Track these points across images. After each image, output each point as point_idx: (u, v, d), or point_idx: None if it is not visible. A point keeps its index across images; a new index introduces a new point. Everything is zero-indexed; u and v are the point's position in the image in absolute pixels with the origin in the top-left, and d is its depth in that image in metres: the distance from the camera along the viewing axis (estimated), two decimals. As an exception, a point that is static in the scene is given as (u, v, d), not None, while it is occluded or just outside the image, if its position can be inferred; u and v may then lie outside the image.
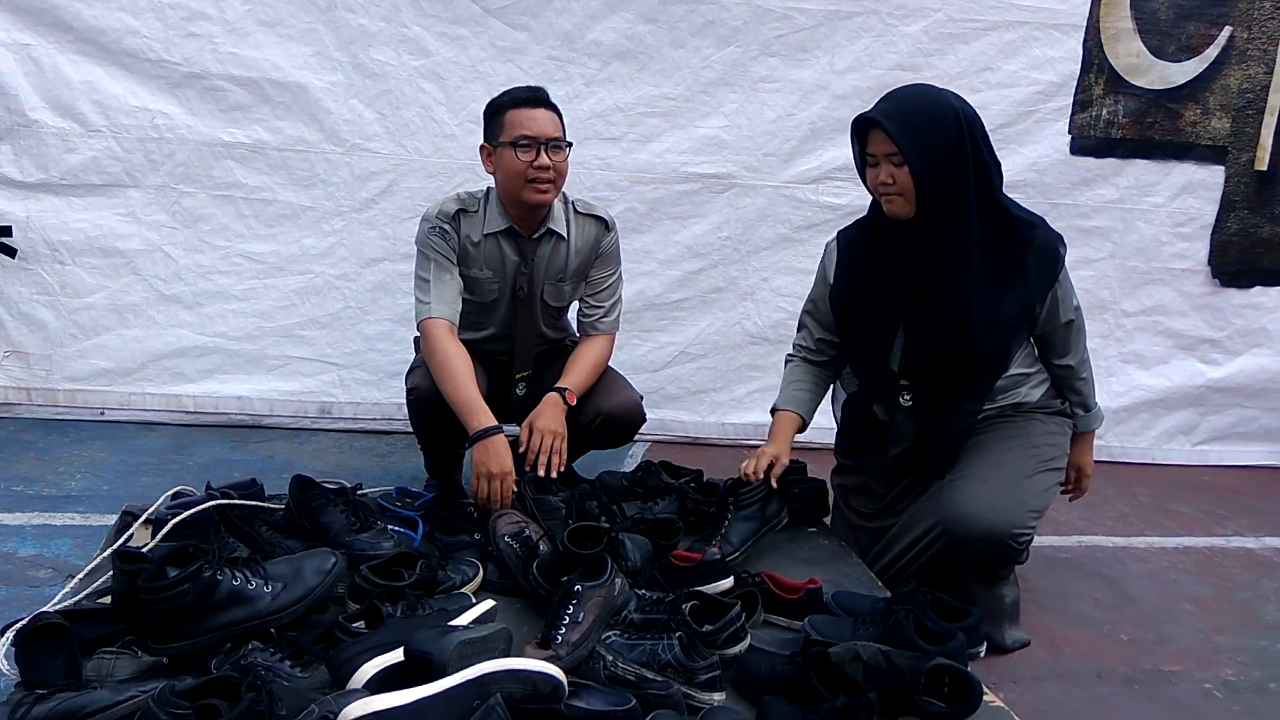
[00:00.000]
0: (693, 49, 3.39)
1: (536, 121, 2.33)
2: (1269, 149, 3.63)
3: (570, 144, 2.40)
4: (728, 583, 1.97)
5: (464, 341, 2.40)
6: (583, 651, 1.68)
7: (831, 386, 2.53)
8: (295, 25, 3.25)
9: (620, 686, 1.60)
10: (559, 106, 2.40)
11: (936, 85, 2.22)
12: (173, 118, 3.25)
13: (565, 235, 2.50)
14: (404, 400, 2.54)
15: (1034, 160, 3.55)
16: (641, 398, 2.59)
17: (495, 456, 2.21)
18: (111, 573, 1.77)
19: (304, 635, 1.67)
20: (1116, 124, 3.56)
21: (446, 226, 2.41)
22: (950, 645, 1.72)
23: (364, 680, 1.51)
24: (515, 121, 2.33)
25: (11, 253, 3.26)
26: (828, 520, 2.56)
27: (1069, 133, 3.56)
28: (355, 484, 2.28)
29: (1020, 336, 2.23)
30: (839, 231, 2.41)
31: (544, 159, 2.31)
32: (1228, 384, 3.80)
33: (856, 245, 2.32)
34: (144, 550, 1.90)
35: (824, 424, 2.63)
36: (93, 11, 3.16)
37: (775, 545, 2.32)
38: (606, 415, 2.50)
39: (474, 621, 1.72)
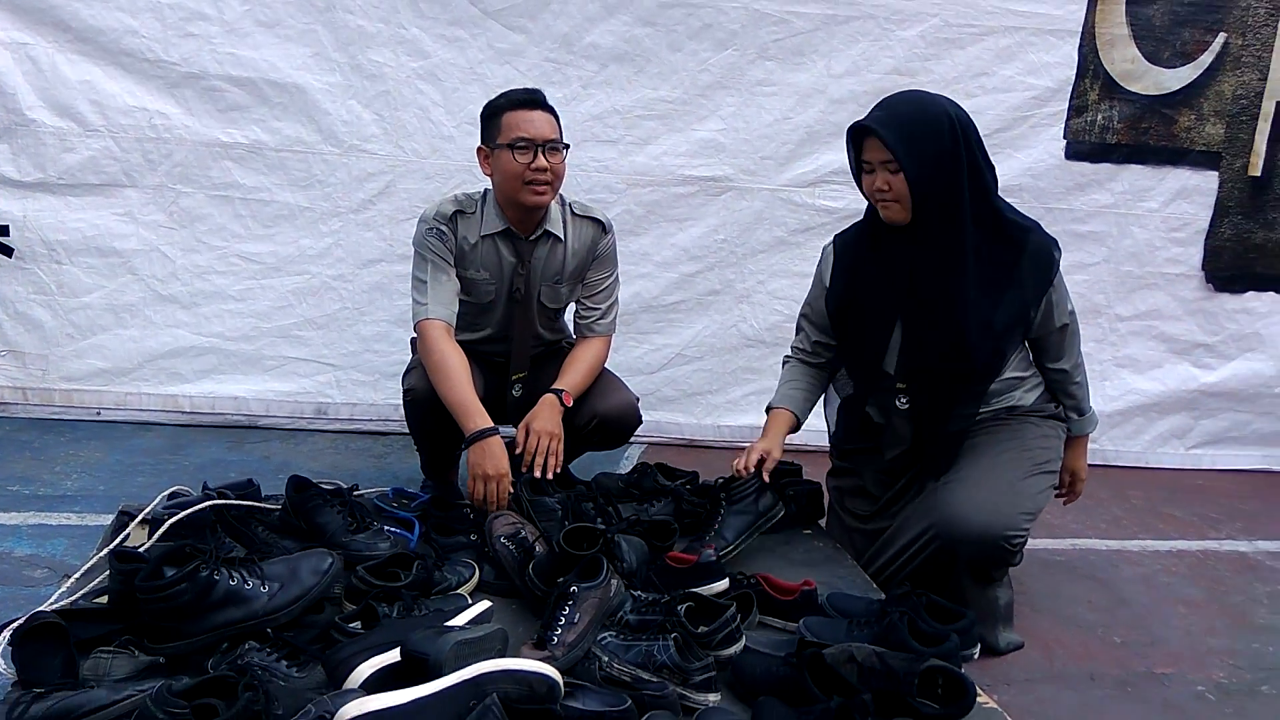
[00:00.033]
0: (690, 52, 3.40)
1: (534, 124, 2.34)
2: (1263, 155, 3.65)
3: (567, 146, 2.41)
4: (723, 584, 1.98)
5: (460, 342, 2.40)
6: (579, 652, 1.69)
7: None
8: (293, 26, 3.25)
9: (616, 687, 1.60)
10: (556, 108, 2.41)
11: (930, 91, 2.23)
12: (170, 118, 3.26)
13: (562, 237, 2.50)
14: (400, 401, 2.54)
15: (1029, 165, 3.57)
16: (638, 399, 2.59)
17: (491, 458, 2.21)
18: (108, 572, 1.77)
19: (300, 635, 1.68)
20: (1111, 129, 3.58)
21: (444, 228, 2.41)
22: (944, 647, 1.73)
23: (360, 680, 1.51)
24: (512, 124, 2.34)
25: (8, 252, 3.26)
26: (823, 523, 2.57)
27: (1064, 138, 3.58)
28: (352, 485, 2.28)
29: (1015, 340, 2.24)
30: (835, 235, 2.42)
31: (541, 161, 2.32)
32: (1221, 388, 3.82)
33: (853, 249, 2.34)
34: (141, 550, 1.90)
35: (820, 427, 2.64)
36: (91, 11, 3.16)
37: (770, 547, 2.33)
38: (602, 417, 2.50)
39: (470, 622, 1.73)
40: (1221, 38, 3.55)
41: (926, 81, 3.40)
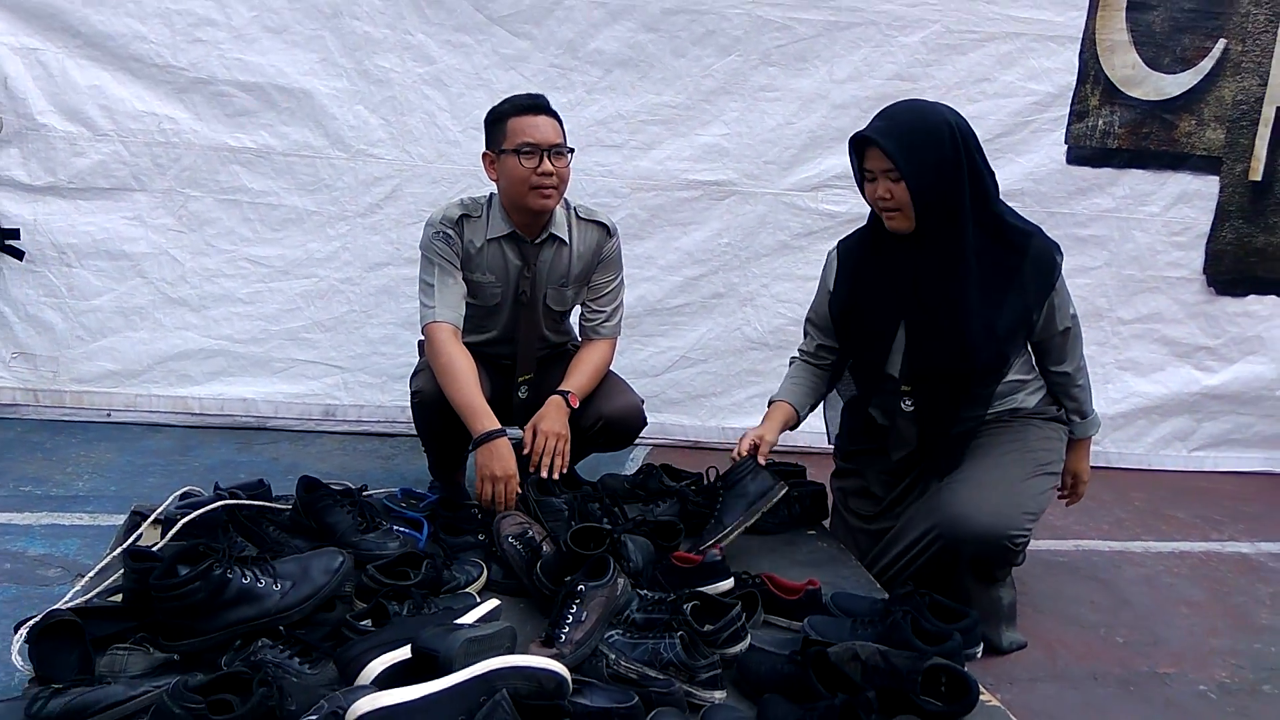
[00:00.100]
0: (694, 58, 3.43)
1: (539, 128, 2.36)
2: (1263, 159, 3.67)
3: (572, 150, 2.43)
4: (728, 584, 2.00)
5: (467, 345, 2.42)
6: (586, 650, 1.71)
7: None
8: (301, 32, 3.28)
9: (623, 684, 1.62)
10: (560, 113, 2.43)
11: (930, 99, 2.26)
12: (179, 122, 3.29)
13: (567, 240, 2.53)
14: (408, 403, 2.57)
15: (1031, 170, 3.59)
16: (642, 402, 2.62)
17: (499, 459, 2.24)
18: (122, 571, 1.80)
19: (312, 633, 1.70)
20: (1112, 134, 3.60)
21: (450, 231, 2.44)
22: (947, 646, 1.74)
23: (372, 677, 1.53)
24: (518, 129, 2.36)
25: (19, 255, 3.29)
26: (827, 523, 2.59)
27: (1065, 143, 3.60)
28: (360, 485, 2.30)
29: (1018, 344, 2.26)
30: (839, 241, 2.44)
31: (547, 165, 2.34)
32: (1223, 391, 3.83)
33: (856, 255, 2.36)
34: (154, 549, 1.92)
35: (823, 428, 2.66)
36: (100, 17, 3.19)
37: (775, 547, 2.35)
38: (608, 419, 2.53)
39: (479, 620, 1.75)
40: (1221, 44, 3.57)
41: (928, 87, 3.43)
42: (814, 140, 3.51)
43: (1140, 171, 3.65)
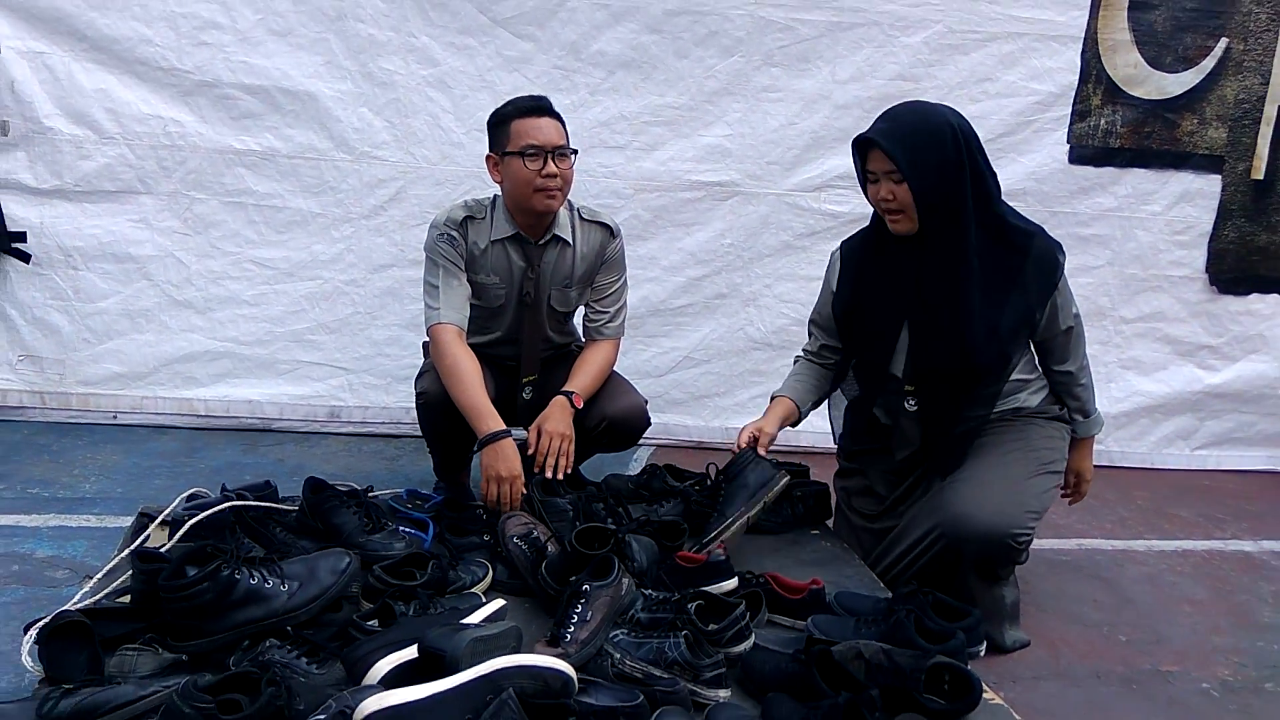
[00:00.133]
0: (696, 59, 3.43)
1: (542, 130, 2.37)
2: (1265, 158, 3.67)
3: (575, 151, 2.44)
4: (732, 583, 2.01)
5: (471, 346, 2.43)
6: (591, 649, 1.72)
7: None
8: (305, 35, 3.29)
9: (628, 683, 1.64)
10: (563, 115, 2.44)
11: (932, 100, 2.27)
12: (185, 125, 3.30)
13: (571, 241, 2.54)
14: (413, 404, 2.58)
15: (1033, 169, 3.59)
16: (646, 402, 2.63)
17: (504, 460, 2.25)
18: (130, 572, 1.81)
19: (320, 633, 1.71)
20: (1114, 133, 3.60)
21: (454, 233, 2.45)
22: (950, 644, 1.75)
23: (379, 676, 1.55)
24: (521, 131, 2.37)
25: (26, 258, 3.30)
26: (830, 523, 2.60)
27: (1067, 142, 3.60)
28: (366, 486, 2.32)
29: (1020, 344, 2.27)
30: (842, 242, 2.46)
31: (551, 167, 2.35)
32: (1225, 390, 3.84)
33: (859, 255, 2.37)
34: (162, 550, 1.94)
35: (826, 429, 2.67)
36: (106, 20, 3.21)
37: (779, 547, 2.36)
38: (612, 420, 2.54)
39: (485, 620, 1.76)
40: (1223, 43, 3.57)
41: (930, 87, 3.43)
42: (817, 141, 3.52)
43: (1142, 171, 3.65)
